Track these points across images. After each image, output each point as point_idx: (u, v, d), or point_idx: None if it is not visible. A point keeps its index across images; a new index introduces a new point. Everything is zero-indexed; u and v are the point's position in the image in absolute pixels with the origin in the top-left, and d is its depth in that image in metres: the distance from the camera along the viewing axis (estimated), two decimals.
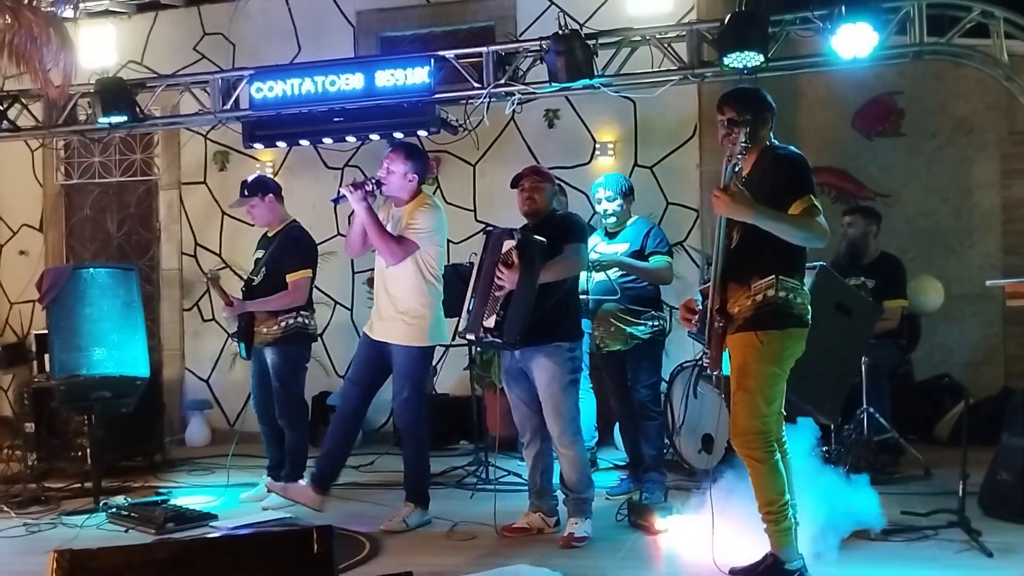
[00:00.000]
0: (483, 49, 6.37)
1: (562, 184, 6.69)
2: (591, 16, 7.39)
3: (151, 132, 8.41)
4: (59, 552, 1.85)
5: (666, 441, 5.91)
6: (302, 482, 5.35)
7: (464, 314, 4.79)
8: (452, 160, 7.95)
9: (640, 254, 5.43)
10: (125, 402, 6.01)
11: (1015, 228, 7.50)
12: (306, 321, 5.87)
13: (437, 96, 6.47)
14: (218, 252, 8.50)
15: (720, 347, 3.87)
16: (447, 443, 7.35)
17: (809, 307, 3.87)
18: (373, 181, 5.11)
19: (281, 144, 7.49)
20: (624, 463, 6.11)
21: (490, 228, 4.91)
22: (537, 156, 7.48)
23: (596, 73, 6.05)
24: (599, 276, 5.43)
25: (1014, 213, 7.51)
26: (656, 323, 5.46)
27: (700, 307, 3.95)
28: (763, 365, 3.77)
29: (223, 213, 8.32)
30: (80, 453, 6.54)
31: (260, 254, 5.99)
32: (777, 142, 3.99)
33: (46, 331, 6.20)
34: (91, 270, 6.06)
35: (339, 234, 7.78)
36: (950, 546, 4.38)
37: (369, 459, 6.66)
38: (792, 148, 3.98)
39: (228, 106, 6.89)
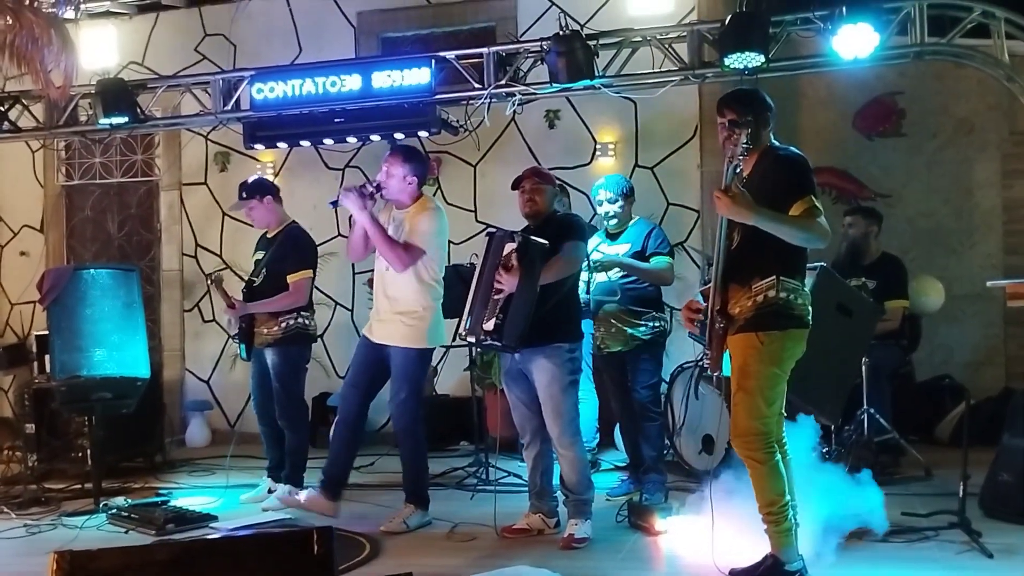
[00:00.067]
0: (484, 50, 6.37)
1: (565, 185, 6.69)
2: (592, 17, 7.39)
3: (152, 133, 8.41)
4: (59, 553, 1.85)
5: (666, 442, 5.91)
6: (312, 491, 5.35)
7: (465, 316, 4.79)
8: (453, 161, 7.95)
9: (641, 255, 5.43)
10: (126, 403, 6.01)
11: (1016, 228, 7.50)
12: (306, 322, 5.87)
13: (438, 97, 6.47)
14: (219, 253, 8.51)
15: (721, 348, 3.87)
16: (447, 444, 7.36)
17: (810, 308, 3.87)
18: (373, 184, 5.12)
19: (282, 145, 7.50)
20: (624, 464, 6.11)
21: (493, 230, 4.90)
22: (538, 157, 7.48)
23: (597, 74, 6.05)
24: (600, 277, 5.43)
25: (1015, 213, 7.51)
26: (657, 324, 5.46)
27: (703, 306, 3.96)
28: (764, 366, 3.77)
29: (224, 214, 8.32)
30: (80, 454, 6.54)
31: (260, 255, 6.00)
32: (778, 143, 3.99)
33: (47, 332, 6.20)
34: (92, 271, 6.06)
35: (339, 235, 7.79)
36: (951, 547, 4.37)
37: (369, 460, 6.66)
38: (793, 149, 3.98)
39: (229, 107, 6.89)
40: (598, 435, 6.55)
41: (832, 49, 5.65)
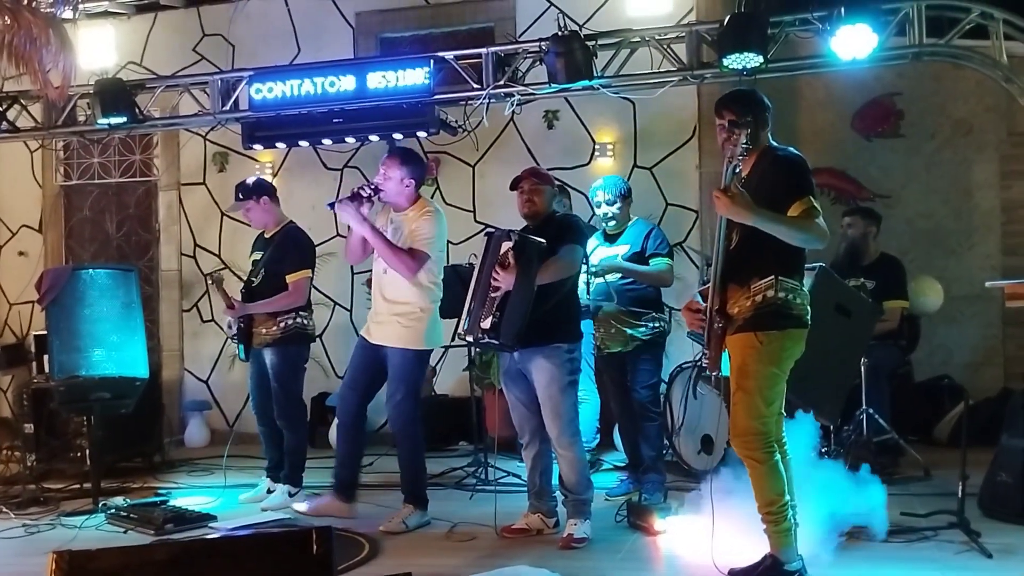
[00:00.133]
0: (482, 50, 6.37)
1: (566, 187, 6.69)
2: (590, 17, 7.39)
3: (150, 133, 8.41)
4: (58, 553, 1.85)
5: (665, 442, 5.91)
6: (327, 496, 5.39)
7: (463, 315, 4.79)
8: (451, 161, 7.94)
9: (641, 256, 5.43)
10: (124, 403, 6.00)
11: (1014, 229, 7.50)
12: (305, 322, 5.88)
13: (436, 97, 6.48)
14: (217, 253, 8.50)
15: (719, 348, 3.87)
16: (446, 444, 7.36)
17: (809, 308, 3.87)
18: (371, 187, 5.13)
19: (280, 145, 7.50)
20: (623, 464, 6.11)
21: (491, 230, 4.91)
22: (536, 157, 7.48)
23: (595, 74, 6.05)
24: (598, 280, 5.44)
25: (1013, 214, 7.51)
26: (656, 324, 5.46)
27: (702, 307, 3.96)
28: (763, 366, 3.77)
29: (222, 214, 8.31)
30: (79, 454, 6.54)
31: (257, 256, 6.01)
32: (776, 143, 4.00)
33: (45, 332, 6.20)
34: (90, 271, 6.06)
35: (338, 235, 7.78)
36: (949, 547, 4.38)
37: (368, 460, 6.64)
38: (791, 149, 3.98)
39: (227, 107, 6.89)
40: (598, 435, 6.54)
41: (831, 50, 5.65)
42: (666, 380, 6.03)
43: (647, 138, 7.56)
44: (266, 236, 6.02)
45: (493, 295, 4.61)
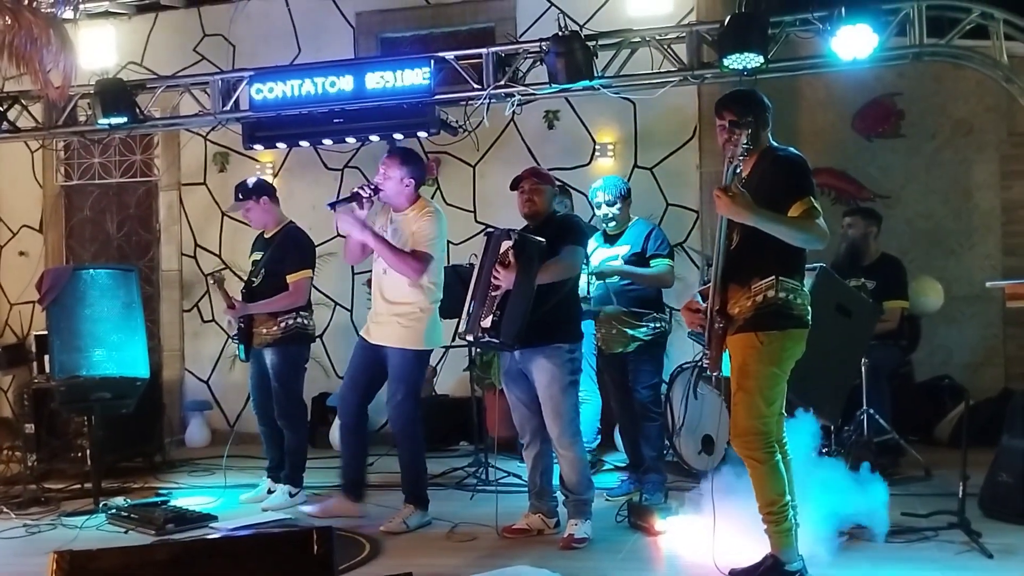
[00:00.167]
0: (483, 50, 6.37)
1: (568, 187, 6.68)
2: (591, 17, 7.39)
3: (151, 133, 8.41)
4: (59, 553, 1.85)
5: (666, 442, 5.91)
6: (336, 497, 5.44)
7: (463, 315, 4.79)
8: (452, 161, 7.94)
9: (641, 256, 5.43)
10: (125, 403, 6.01)
11: (1015, 229, 7.50)
12: (305, 321, 5.88)
13: (437, 97, 6.47)
14: (218, 253, 8.51)
15: (720, 348, 3.87)
16: (447, 444, 7.36)
17: (809, 308, 3.87)
18: (371, 188, 5.13)
19: (281, 145, 7.50)
20: (624, 464, 6.11)
21: (491, 229, 4.91)
22: (537, 157, 7.48)
23: (596, 74, 6.05)
24: (598, 282, 5.44)
25: (1014, 215, 7.51)
26: (657, 325, 5.46)
27: (702, 307, 3.96)
28: (763, 366, 3.77)
29: (223, 214, 8.31)
30: (80, 454, 6.54)
31: (257, 256, 6.01)
32: (777, 143, 4.00)
33: (46, 332, 6.20)
34: (91, 271, 6.07)
35: (338, 235, 7.74)
36: (950, 547, 4.38)
37: (369, 460, 6.64)
38: (792, 149, 3.98)
39: (228, 107, 6.89)
40: (599, 436, 6.54)
41: (831, 50, 5.65)
42: (667, 380, 6.03)
43: (647, 138, 7.56)
44: (266, 236, 6.03)
45: (493, 294, 4.61)
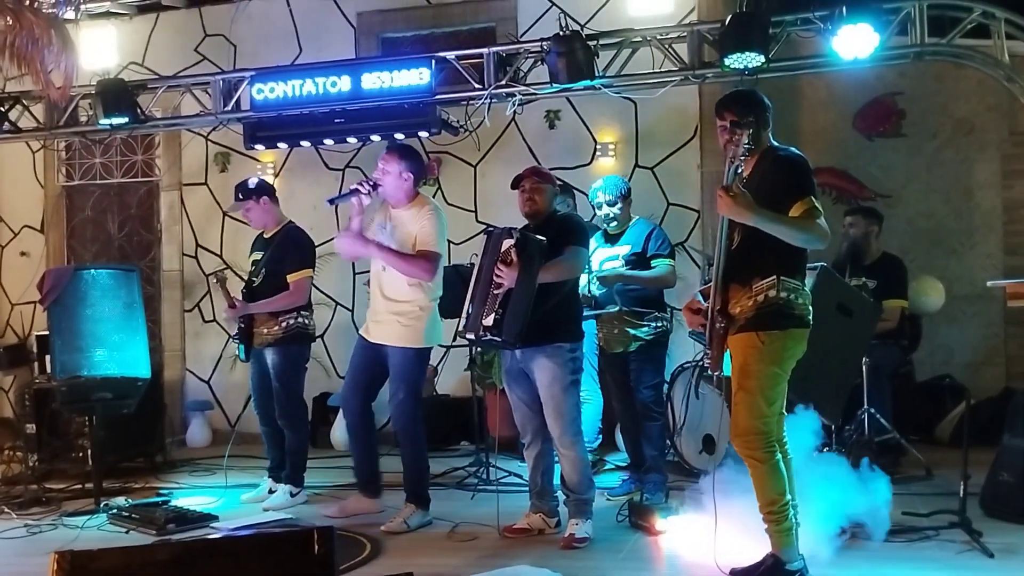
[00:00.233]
0: (484, 50, 6.37)
1: (571, 188, 6.68)
2: (592, 17, 7.39)
3: (152, 133, 8.41)
4: (60, 553, 1.85)
5: (667, 442, 5.91)
6: (352, 497, 5.47)
7: (464, 314, 4.79)
8: (453, 161, 7.95)
9: (642, 256, 5.43)
10: (126, 403, 6.01)
11: (1016, 229, 7.50)
12: (306, 321, 5.89)
13: (438, 97, 6.47)
14: (219, 253, 8.51)
15: (721, 348, 3.87)
16: (448, 444, 7.36)
17: (810, 308, 3.87)
18: (369, 183, 5.13)
19: (282, 145, 7.50)
20: (625, 464, 6.11)
21: (491, 228, 4.91)
22: (538, 157, 7.48)
23: (597, 74, 6.05)
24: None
25: (1015, 214, 7.51)
26: (659, 324, 5.46)
27: (703, 306, 3.96)
28: (764, 365, 3.77)
29: (224, 214, 8.31)
30: (81, 454, 6.54)
31: (257, 256, 6.01)
32: (778, 143, 4.00)
33: (47, 332, 6.20)
34: (92, 271, 6.07)
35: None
36: (951, 547, 4.38)
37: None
38: (793, 149, 3.98)
39: (229, 107, 6.89)
40: (600, 435, 6.54)
41: (832, 49, 5.65)
42: (668, 380, 6.02)
43: (648, 138, 7.56)
44: (265, 236, 6.03)
45: (495, 292, 4.61)
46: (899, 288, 6.25)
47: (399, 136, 6.77)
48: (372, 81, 6.52)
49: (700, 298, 4.01)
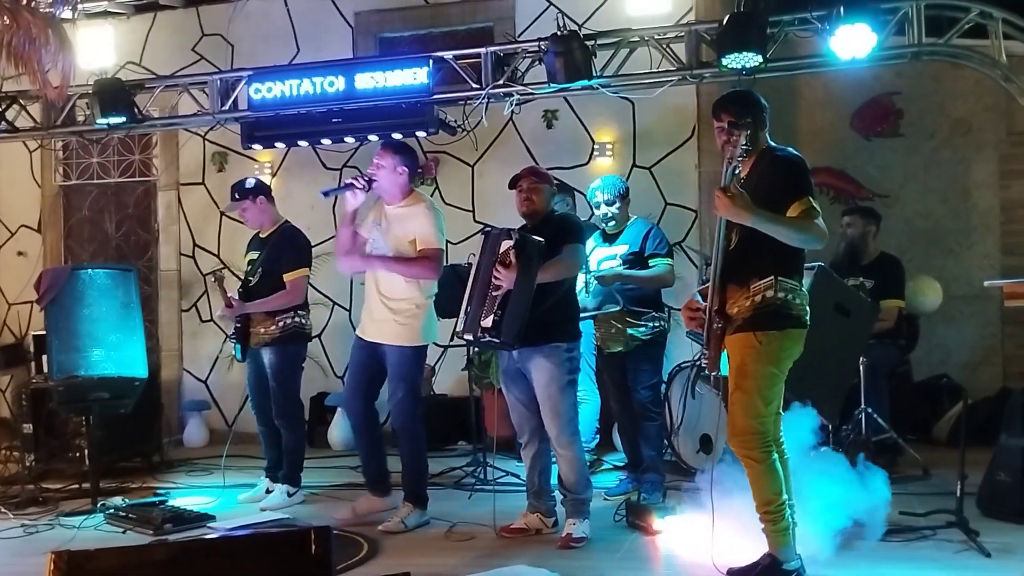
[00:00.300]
0: (481, 50, 6.37)
1: (569, 186, 6.67)
2: (589, 17, 7.39)
3: (149, 133, 8.41)
4: (57, 553, 1.85)
5: (664, 441, 5.91)
6: (362, 498, 5.42)
7: (462, 315, 4.79)
8: (450, 161, 7.94)
9: (640, 255, 5.43)
10: (123, 403, 6.00)
11: (1013, 229, 7.51)
12: (303, 321, 5.88)
13: (436, 97, 6.48)
14: (216, 253, 8.50)
15: (719, 348, 3.87)
16: (445, 444, 7.35)
17: (808, 308, 3.87)
18: (364, 179, 5.12)
19: (280, 145, 7.50)
20: (623, 464, 6.11)
21: (488, 228, 4.91)
22: (536, 157, 7.48)
23: (595, 74, 6.05)
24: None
25: (1012, 214, 7.52)
26: (656, 324, 5.46)
27: (701, 306, 3.96)
28: (762, 365, 3.77)
29: (221, 214, 8.30)
30: (78, 454, 6.55)
31: (253, 255, 6.01)
32: (775, 143, 4.00)
33: (44, 332, 6.20)
34: (89, 271, 6.06)
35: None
36: (948, 546, 4.38)
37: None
38: (790, 149, 3.98)
39: (227, 107, 6.89)
40: (598, 435, 6.54)
41: (830, 49, 5.65)
42: (665, 380, 6.03)
43: (646, 138, 7.56)
44: (262, 236, 6.03)
45: (494, 293, 4.60)
46: (896, 288, 6.25)
47: (396, 136, 6.77)
48: (369, 81, 6.53)
49: (699, 298, 4.01)
